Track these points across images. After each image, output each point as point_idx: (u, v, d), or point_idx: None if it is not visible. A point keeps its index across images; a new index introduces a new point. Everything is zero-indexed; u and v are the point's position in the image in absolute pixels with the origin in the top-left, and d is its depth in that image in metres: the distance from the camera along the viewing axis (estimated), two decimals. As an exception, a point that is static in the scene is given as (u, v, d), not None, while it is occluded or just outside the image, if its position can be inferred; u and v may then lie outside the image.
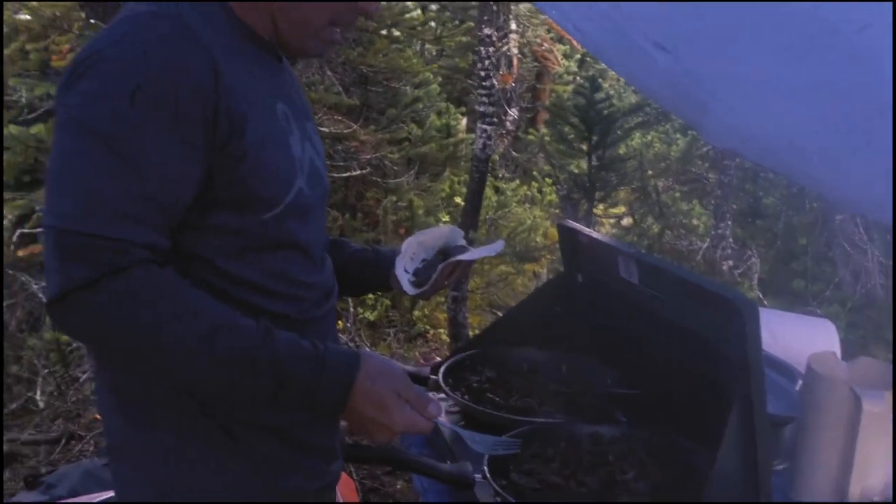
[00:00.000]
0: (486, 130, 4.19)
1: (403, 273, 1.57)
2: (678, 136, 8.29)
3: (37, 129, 5.65)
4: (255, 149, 1.17)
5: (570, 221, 1.96)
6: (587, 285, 1.96)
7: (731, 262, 5.50)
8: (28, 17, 5.33)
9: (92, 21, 5.57)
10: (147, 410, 1.22)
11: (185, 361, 1.09)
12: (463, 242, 1.67)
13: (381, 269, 1.61)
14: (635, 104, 5.93)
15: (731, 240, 5.59)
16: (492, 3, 4.24)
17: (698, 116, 2.22)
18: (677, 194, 6.68)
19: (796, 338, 2.10)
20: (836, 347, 2.14)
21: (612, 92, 7.55)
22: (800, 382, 1.89)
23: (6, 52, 5.33)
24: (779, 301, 5.24)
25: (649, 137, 8.05)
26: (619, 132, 4.66)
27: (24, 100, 5.84)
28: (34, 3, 4.99)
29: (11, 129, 5.60)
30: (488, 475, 1.40)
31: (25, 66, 5.63)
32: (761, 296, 5.24)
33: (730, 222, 5.61)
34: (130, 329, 1.07)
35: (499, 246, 1.66)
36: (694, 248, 5.66)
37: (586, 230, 1.88)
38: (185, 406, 1.21)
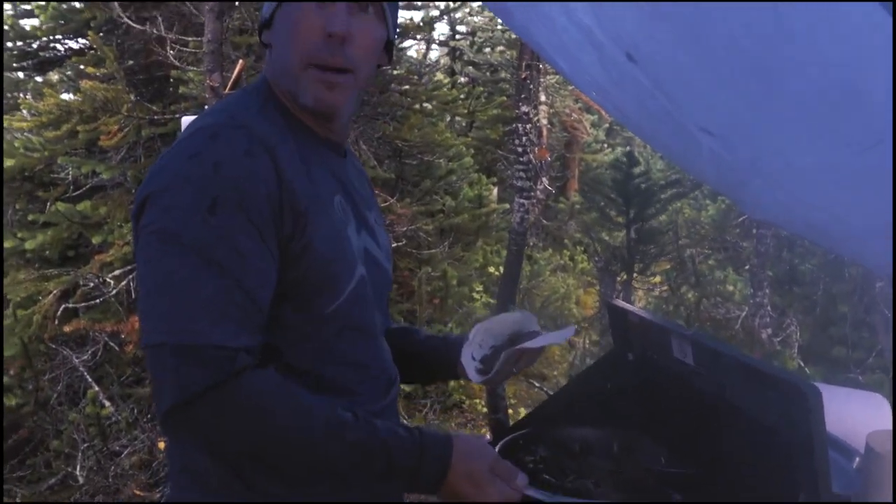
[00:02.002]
0: (523, 204, 4.27)
1: (470, 360, 1.55)
2: (708, 201, 8.33)
3: (83, 205, 5.84)
4: (315, 244, 1.21)
5: (620, 301, 1.98)
6: (638, 364, 1.97)
7: (769, 331, 5.46)
8: (78, 97, 5.55)
9: (135, 99, 5.81)
10: (215, 490, 1.25)
11: (302, 457, 1.14)
12: (536, 328, 1.63)
13: (449, 357, 1.59)
14: (671, 176, 6.00)
15: (769, 308, 5.56)
16: (528, 81, 4.37)
17: (740, 193, 2.25)
18: (711, 262, 6.68)
19: (849, 414, 2.08)
20: (889, 423, 2.12)
21: (640, 159, 7.66)
22: (857, 460, 1.87)
23: (57, 133, 5.53)
24: (820, 369, 5.18)
25: (679, 204, 8.10)
26: (656, 206, 4.71)
27: (70, 177, 6.04)
28: (87, 86, 5.20)
29: (59, 206, 5.79)
30: (552, 559, 1.40)
31: (73, 145, 5.84)
32: (802, 364, 5.18)
33: (767, 290, 5.59)
34: (247, 433, 1.11)
35: (568, 332, 1.62)
36: (731, 317, 5.64)
37: (637, 310, 1.91)
38: (250, 488, 1.24)
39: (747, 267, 6.31)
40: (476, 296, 6.33)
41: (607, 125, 11.23)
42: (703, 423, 1.73)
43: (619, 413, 2.03)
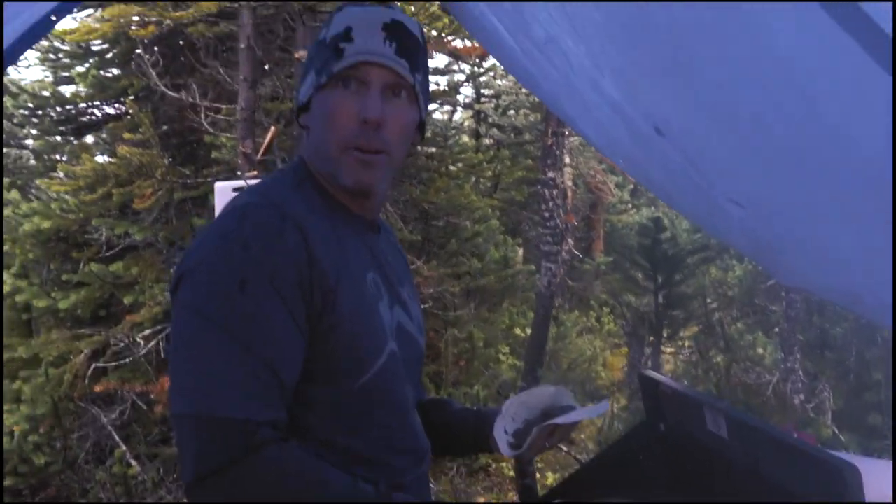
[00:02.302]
0: (550, 268, 4.29)
1: (503, 434, 1.53)
2: (734, 262, 8.29)
3: (115, 266, 5.94)
4: (344, 320, 1.24)
5: (651, 372, 1.98)
6: (671, 435, 1.96)
7: (802, 397, 5.36)
8: (115, 162, 5.70)
9: (169, 162, 5.95)
10: None
11: None
12: (570, 402, 1.62)
13: (481, 430, 1.58)
14: (698, 240, 5.99)
15: (801, 373, 5.47)
16: (554, 147, 4.43)
17: (772, 262, 2.26)
18: (740, 325, 6.61)
19: (889, 488, 2.05)
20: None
21: (665, 221, 7.66)
22: (898, 538, 1.83)
23: (93, 196, 5.66)
24: (855, 437, 5.07)
25: (706, 266, 8.05)
26: (684, 271, 4.70)
27: (103, 238, 6.16)
28: (123, 151, 5.35)
29: (92, 267, 5.89)
30: None
31: (107, 207, 5.97)
32: (836, 431, 5.07)
33: (798, 355, 5.51)
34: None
35: (602, 407, 1.61)
36: (762, 382, 5.54)
37: (669, 381, 1.90)
38: None
39: (776, 330, 6.23)
40: (502, 357, 6.30)
41: (632, 186, 11.29)
42: (736, 497, 1.71)
43: (651, 484, 2.01)
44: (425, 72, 1.39)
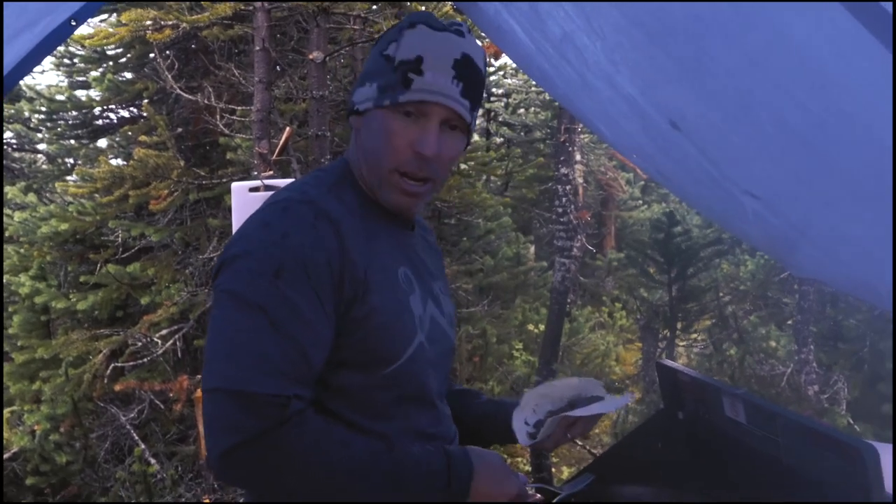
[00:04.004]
0: (564, 264, 4.32)
1: (523, 425, 1.57)
2: (746, 257, 8.29)
3: (132, 267, 6.01)
4: (375, 312, 1.31)
5: (669, 360, 2.02)
6: (689, 422, 1.99)
7: (816, 388, 5.38)
8: (131, 164, 5.76)
9: (183, 163, 6.01)
10: None
11: (344, 488, 1.23)
12: (599, 392, 1.62)
13: (500, 421, 1.62)
14: (711, 235, 6.01)
15: (815, 364, 5.49)
16: (566, 144, 4.46)
17: (786, 254, 2.29)
18: (754, 318, 6.62)
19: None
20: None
21: (677, 215, 7.68)
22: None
23: (110, 198, 5.72)
24: (870, 426, 5.08)
25: (718, 260, 8.06)
26: (697, 265, 4.73)
27: (119, 239, 6.23)
28: (140, 154, 5.41)
29: (109, 268, 5.96)
30: None
31: (123, 209, 6.04)
32: (851, 421, 5.09)
33: (812, 346, 5.53)
34: (296, 471, 1.20)
35: (624, 400, 1.62)
36: (777, 374, 5.57)
37: (686, 369, 1.94)
38: None
39: (790, 322, 6.23)
40: (516, 353, 6.34)
41: (643, 182, 11.32)
42: (757, 482, 1.75)
43: (671, 472, 2.04)
44: (481, 101, 1.45)
